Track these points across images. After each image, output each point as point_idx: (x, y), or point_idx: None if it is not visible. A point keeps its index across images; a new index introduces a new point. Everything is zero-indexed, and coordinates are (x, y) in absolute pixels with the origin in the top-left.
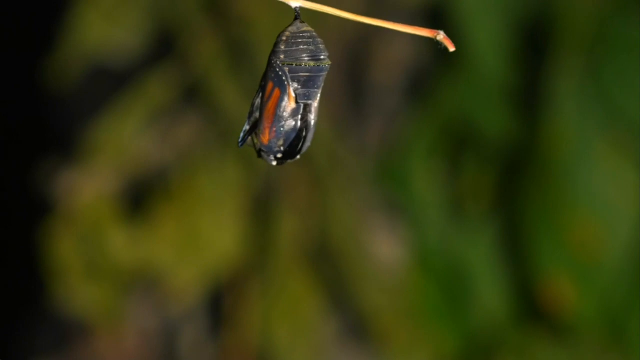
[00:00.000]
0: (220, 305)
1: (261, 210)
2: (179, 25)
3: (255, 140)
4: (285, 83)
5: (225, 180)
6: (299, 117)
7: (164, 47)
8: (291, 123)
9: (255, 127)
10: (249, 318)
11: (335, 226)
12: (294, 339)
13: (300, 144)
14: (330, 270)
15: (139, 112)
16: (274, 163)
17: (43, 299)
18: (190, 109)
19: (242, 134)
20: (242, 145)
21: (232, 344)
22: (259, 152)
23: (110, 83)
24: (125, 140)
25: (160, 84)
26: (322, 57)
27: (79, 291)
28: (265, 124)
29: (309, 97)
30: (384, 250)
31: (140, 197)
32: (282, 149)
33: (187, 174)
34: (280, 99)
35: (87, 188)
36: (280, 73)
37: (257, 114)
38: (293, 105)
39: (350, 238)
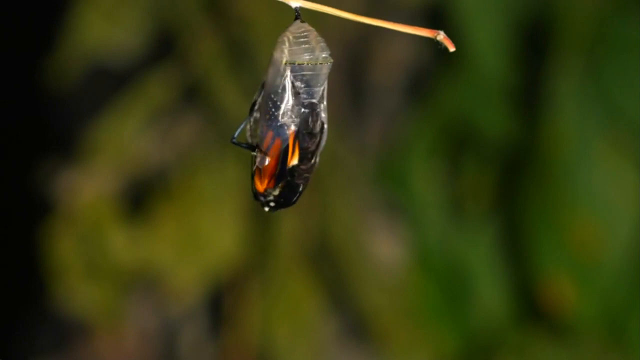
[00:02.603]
0: (220, 305)
1: (261, 210)
2: (179, 25)
3: (253, 185)
4: (287, 133)
5: (225, 180)
6: (298, 172)
7: (164, 47)
8: (289, 178)
9: (254, 148)
10: (249, 318)
11: (335, 226)
12: (294, 339)
13: (295, 198)
14: (330, 270)
15: (139, 112)
16: (266, 209)
17: (43, 299)
18: (190, 109)
19: (238, 131)
20: (234, 142)
21: (232, 344)
22: (255, 196)
23: (110, 83)
24: (125, 140)
25: (160, 84)
26: (323, 55)
27: (79, 291)
28: (263, 173)
29: (312, 96)
30: (384, 250)
31: (140, 197)
32: (276, 199)
33: (187, 174)
34: (281, 154)
35: (87, 188)
36: (278, 118)
37: (254, 155)
38: (294, 161)
39: (350, 238)
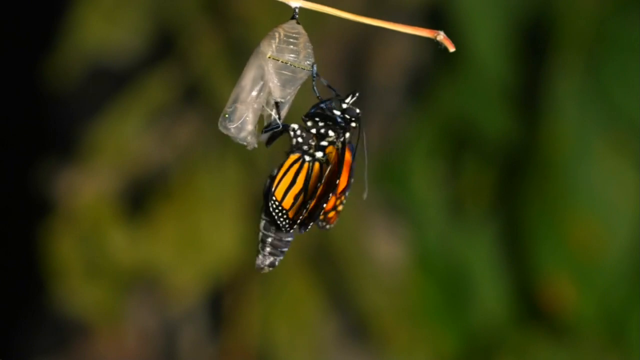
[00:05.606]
0: (220, 305)
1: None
2: (179, 25)
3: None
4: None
5: (225, 180)
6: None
7: (164, 47)
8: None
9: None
10: (249, 318)
11: (335, 226)
12: (294, 339)
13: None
14: (330, 270)
15: (139, 112)
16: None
17: (43, 299)
18: (190, 109)
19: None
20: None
21: (232, 344)
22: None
23: (110, 83)
24: (125, 140)
25: (160, 84)
26: (307, 62)
27: (79, 291)
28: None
29: (284, 97)
30: (384, 250)
31: (140, 197)
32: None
33: (187, 174)
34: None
35: (87, 188)
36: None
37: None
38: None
39: (350, 238)
